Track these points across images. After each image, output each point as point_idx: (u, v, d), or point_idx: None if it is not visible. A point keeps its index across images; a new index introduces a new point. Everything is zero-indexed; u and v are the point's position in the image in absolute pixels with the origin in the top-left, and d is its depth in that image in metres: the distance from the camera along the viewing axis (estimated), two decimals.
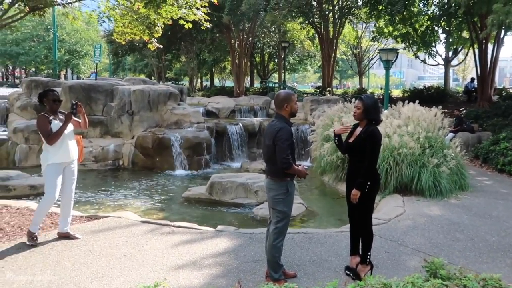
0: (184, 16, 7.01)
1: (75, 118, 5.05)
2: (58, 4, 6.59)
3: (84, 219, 5.88)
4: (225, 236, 5.22)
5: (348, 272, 4.13)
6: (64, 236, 5.00)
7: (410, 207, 6.61)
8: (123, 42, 8.18)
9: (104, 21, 7.72)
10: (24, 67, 48.80)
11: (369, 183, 3.91)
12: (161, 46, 8.66)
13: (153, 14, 6.72)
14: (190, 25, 7.37)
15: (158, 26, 7.14)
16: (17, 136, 11.55)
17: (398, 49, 11.50)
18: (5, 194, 7.75)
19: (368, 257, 4.03)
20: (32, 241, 4.81)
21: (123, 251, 4.67)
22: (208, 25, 7.54)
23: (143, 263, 4.37)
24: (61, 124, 4.85)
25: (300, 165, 3.81)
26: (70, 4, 7.01)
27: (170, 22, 7.28)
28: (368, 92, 25.46)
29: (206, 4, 7.40)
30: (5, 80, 51.54)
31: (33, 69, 46.81)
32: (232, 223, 6.53)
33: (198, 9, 7.17)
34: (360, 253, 4.17)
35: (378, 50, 13.17)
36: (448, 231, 5.55)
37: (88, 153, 11.28)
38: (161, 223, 5.76)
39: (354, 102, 10.90)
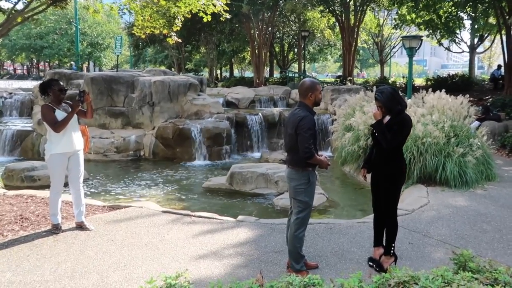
0: (204, 8, 6.93)
1: (81, 108, 4.98)
2: None
3: (106, 209, 5.94)
4: (245, 226, 5.20)
5: (371, 264, 4.05)
6: (79, 226, 5.05)
7: (435, 198, 6.46)
8: (143, 36, 8.16)
9: (124, 13, 7.71)
10: (48, 60, 49.71)
11: (395, 173, 3.82)
12: (180, 41, 8.62)
13: (173, 7, 6.67)
14: (209, 18, 7.30)
15: (178, 19, 7.09)
16: (42, 127, 11.75)
17: (422, 36, 11.18)
18: (31, 184, 7.93)
19: (392, 248, 3.94)
20: (56, 231, 4.88)
21: (145, 241, 4.69)
22: (227, 15, 7.45)
23: (164, 252, 4.39)
24: (65, 114, 4.80)
25: (322, 155, 3.73)
26: None
27: (189, 16, 7.22)
28: (390, 81, 24.95)
29: None
30: (29, 73, 52.62)
31: (57, 62, 47.66)
32: (252, 213, 6.51)
33: None
34: (384, 244, 4.08)
35: (401, 37, 12.84)
36: (474, 222, 5.39)
37: (110, 144, 11.42)
38: (182, 213, 5.78)
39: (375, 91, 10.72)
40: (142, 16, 7.13)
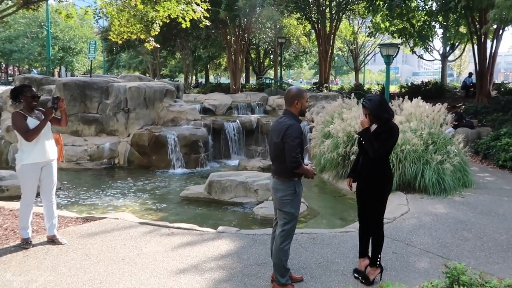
0: (183, 13, 6.76)
1: (54, 115, 4.73)
2: None
3: (80, 220, 5.68)
4: (226, 238, 5.05)
5: (356, 275, 3.97)
6: (51, 240, 4.79)
7: (415, 205, 6.47)
8: (120, 42, 7.91)
9: (100, 17, 7.46)
10: (18, 65, 48.27)
11: (382, 183, 3.76)
12: (158, 46, 8.42)
13: (151, 11, 6.47)
14: (188, 24, 7.14)
15: (156, 24, 6.90)
16: (10, 135, 11.29)
17: (399, 44, 11.33)
18: None
19: (378, 259, 3.87)
20: (26, 245, 4.62)
21: (121, 255, 4.48)
22: (207, 22, 7.30)
23: (142, 267, 4.19)
24: (38, 122, 4.55)
25: (308, 164, 3.63)
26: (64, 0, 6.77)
27: (167, 20, 7.04)
28: (365, 88, 25.28)
29: None
30: None
31: (27, 66, 46.32)
32: (232, 223, 6.36)
33: (197, 4, 6.91)
34: (369, 255, 4.01)
35: (379, 45, 12.99)
36: (455, 230, 5.41)
37: (83, 152, 11.07)
38: (160, 224, 5.58)
39: (353, 98, 10.75)
40: (118, 20, 6.90)
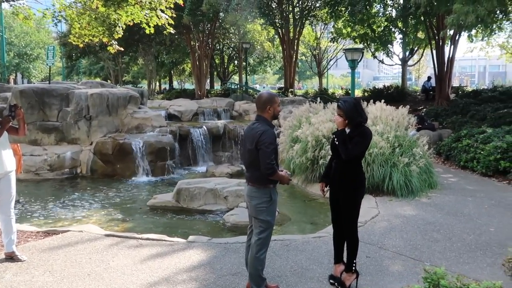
0: (147, 19, 6.55)
1: (11, 124, 4.46)
2: (4, 1, 5.98)
3: (41, 234, 5.38)
4: (198, 248, 4.90)
5: (332, 281, 3.92)
6: (9, 257, 4.49)
7: (384, 208, 6.53)
8: (81, 45, 7.57)
9: (59, 21, 7.12)
10: None
11: (355, 187, 3.74)
12: (122, 49, 8.15)
13: (113, 14, 6.23)
14: (153, 30, 6.93)
15: (119, 27, 6.65)
16: None
17: (363, 49, 11.52)
18: None
19: (354, 265, 3.83)
20: None
21: (87, 270, 4.25)
22: (171, 30, 7.12)
23: (110, 282, 3.98)
24: None
25: (282, 170, 3.55)
26: (18, 1, 6.41)
27: (131, 23, 6.80)
28: (329, 92, 25.65)
29: (172, 6, 6.95)
30: None
31: None
32: (203, 231, 6.20)
33: (162, 11, 6.71)
34: (345, 260, 3.97)
35: (344, 49, 13.18)
36: (425, 231, 5.47)
37: (43, 161, 10.59)
38: (127, 235, 5.36)
39: (319, 102, 10.82)
40: (79, 23, 6.60)
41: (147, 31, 6.97)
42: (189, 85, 49.30)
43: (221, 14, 21.11)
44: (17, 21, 38.54)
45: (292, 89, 23.97)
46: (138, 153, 10.80)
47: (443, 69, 17.74)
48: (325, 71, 37.00)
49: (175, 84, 47.21)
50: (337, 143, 3.80)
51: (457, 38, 17.73)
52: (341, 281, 3.84)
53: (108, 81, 34.33)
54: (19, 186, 8.81)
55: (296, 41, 24.92)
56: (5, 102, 11.94)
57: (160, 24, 6.86)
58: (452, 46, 17.80)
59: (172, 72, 40.25)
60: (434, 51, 18.39)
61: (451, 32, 16.11)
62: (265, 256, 3.61)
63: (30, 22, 6.76)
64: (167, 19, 6.88)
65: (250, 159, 3.52)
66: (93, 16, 6.37)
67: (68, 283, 3.95)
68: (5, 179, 4.42)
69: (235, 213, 6.77)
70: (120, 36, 7.08)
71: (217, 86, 39.01)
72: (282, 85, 31.64)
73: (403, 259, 4.56)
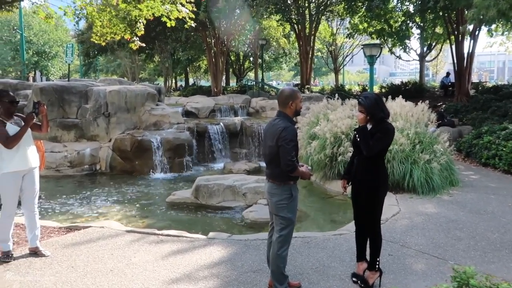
0: (168, 13, 6.56)
1: (35, 121, 4.53)
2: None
3: (63, 230, 5.45)
4: (218, 244, 4.90)
5: (355, 280, 3.88)
6: (33, 252, 4.57)
7: (405, 206, 6.45)
8: (103, 44, 7.61)
9: (80, 19, 7.18)
10: None
11: (378, 184, 3.69)
12: (144, 45, 8.17)
13: (134, 10, 6.25)
14: (173, 23, 6.93)
15: (140, 23, 6.67)
16: None
17: (382, 44, 11.38)
18: None
19: (378, 263, 3.79)
20: (7, 259, 4.38)
21: (110, 266, 4.29)
22: (192, 23, 7.11)
23: (132, 278, 4.01)
24: (17, 128, 4.33)
25: (302, 165, 3.51)
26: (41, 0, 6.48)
27: (151, 17, 6.82)
28: (346, 89, 25.42)
29: (192, 0, 6.94)
30: None
31: (0, 72, 45.05)
32: (222, 228, 6.21)
33: (182, 5, 6.71)
34: (367, 258, 3.92)
35: (362, 45, 13.02)
36: (447, 229, 5.38)
37: (63, 158, 10.73)
38: (148, 231, 5.39)
39: (337, 99, 10.73)
40: (100, 21, 6.63)
41: (168, 24, 6.95)
42: (204, 82, 49.46)
43: (237, 10, 21.06)
44: (36, 19, 39.16)
45: (309, 86, 23.84)
46: (156, 150, 10.86)
47: (463, 64, 17.41)
48: (341, 67, 36.70)
49: (191, 81, 47.45)
50: (358, 139, 3.76)
51: (477, 33, 17.36)
52: (364, 279, 3.80)
53: (125, 78, 34.64)
54: (41, 182, 8.97)
55: (312, 37, 24.76)
56: (26, 100, 12.13)
57: (180, 17, 6.85)
58: (472, 41, 17.44)
59: (188, 69, 40.42)
60: (453, 46, 18.05)
61: (471, 26, 15.76)
62: (287, 253, 3.59)
63: (52, 20, 6.81)
64: (187, 13, 6.88)
65: (270, 156, 3.49)
66: (114, 13, 6.40)
67: (92, 279, 3.99)
68: (29, 175, 4.49)
69: (254, 209, 6.76)
70: (142, 32, 7.10)
71: (233, 83, 39.00)
72: (298, 82, 31.52)
73: (426, 257, 4.50)
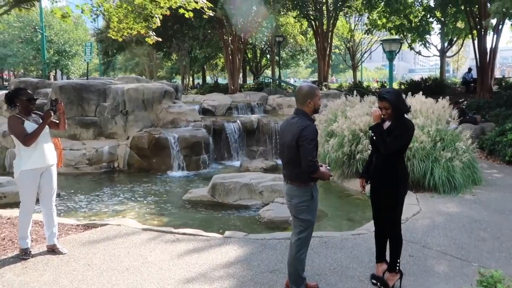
0: (184, 4, 6.50)
1: (52, 118, 4.53)
2: None
3: (81, 228, 5.48)
4: (234, 243, 4.84)
5: (374, 281, 3.77)
6: (51, 249, 4.58)
7: (426, 205, 6.28)
8: (120, 39, 7.63)
9: (97, 16, 7.20)
10: (13, 69, 47.90)
11: (397, 183, 3.58)
12: (160, 39, 8.16)
13: (149, 4, 6.23)
14: (191, 14, 6.86)
15: (156, 17, 6.65)
16: (7, 140, 11.04)
17: (402, 39, 11.14)
18: None
19: (398, 264, 3.67)
20: (25, 256, 4.40)
21: (126, 264, 4.27)
22: (211, 13, 7.04)
23: (148, 277, 3.99)
24: (35, 125, 4.33)
25: (322, 165, 3.41)
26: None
27: (168, 13, 6.79)
28: (364, 86, 25.09)
29: None
30: None
31: (22, 70, 45.95)
32: (238, 227, 6.15)
33: None
34: (387, 259, 3.81)
35: (381, 40, 12.80)
36: (470, 230, 5.22)
37: (82, 156, 10.84)
38: (164, 230, 5.37)
39: (356, 95, 10.55)
40: (117, 17, 6.64)
41: (186, 15, 6.90)
42: (221, 80, 49.53)
43: (254, 7, 20.95)
44: (56, 19, 39.78)
45: (326, 83, 23.61)
46: (173, 148, 10.88)
47: (485, 59, 16.98)
48: (359, 64, 36.28)
49: (208, 79, 47.55)
50: (374, 137, 3.66)
51: (500, 27, 16.89)
52: (384, 281, 3.69)
53: (143, 76, 34.91)
54: (59, 180, 9.07)
55: (330, 33, 24.50)
56: (46, 98, 12.29)
57: (198, 7, 6.78)
58: (495, 36, 16.99)
59: (205, 67, 40.49)
60: (475, 41, 17.61)
61: (494, 20, 15.33)
62: (306, 256, 3.49)
63: (69, 19, 6.85)
64: (204, 2, 6.82)
65: (289, 156, 3.37)
66: (130, 9, 6.39)
67: (108, 277, 3.98)
68: (47, 173, 4.50)
69: (271, 208, 6.69)
70: (159, 25, 7.05)
71: (250, 80, 38.94)
72: (315, 79, 31.26)
73: (448, 258, 4.35)
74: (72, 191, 8.70)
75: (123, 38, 7.36)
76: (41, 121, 4.42)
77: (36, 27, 36.04)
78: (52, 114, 4.45)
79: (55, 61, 41.09)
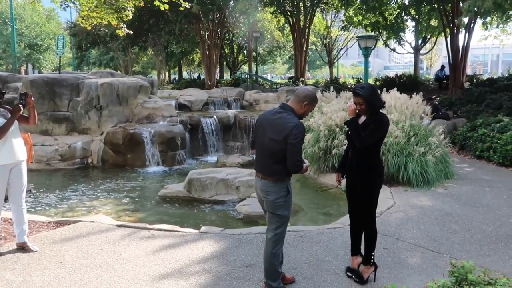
0: None
1: (22, 113, 4.37)
2: None
3: (53, 225, 5.34)
4: (210, 239, 4.81)
5: (350, 274, 3.81)
6: (21, 247, 4.45)
7: (400, 199, 6.39)
8: (89, 27, 7.43)
9: (68, 5, 6.99)
10: None
11: (373, 177, 3.61)
12: (131, 32, 8.02)
13: None
14: (167, 6, 6.76)
15: (128, 10, 6.52)
16: None
17: (377, 36, 11.28)
18: None
19: (372, 257, 3.71)
20: None
21: (99, 261, 4.19)
22: (187, 5, 6.94)
23: (122, 274, 3.92)
24: (4, 120, 4.18)
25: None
26: None
27: (142, 4, 6.67)
28: (340, 82, 25.35)
29: None
30: None
31: None
32: (215, 222, 6.11)
33: None
34: (362, 252, 3.85)
35: (357, 37, 12.92)
36: (443, 222, 5.33)
37: (54, 152, 10.58)
38: (139, 226, 5.29)
39: (332, 91, 10.65)
40: (87, 6, 6.47)
41: (161, 8, 6.79)
42: (198, 75, 49.15)
43: (231, 2, 20.85)
44: (28, 12, 38.60)
45: (303, 79, 23.72)
46: (148, 143, 10.74)
47: (457, 57, 17.38)
48: (335, 60, 36.57)
49: (185, 74, 47.14)
50: (349, 132, 3.69)
51: (472, 25, 17.31)
52: (359, 274, 3.73)
53: (118, 71, 34.31)
54: (31, 176, 8.82)
55: (306, 29, 24.63)
56: (16, 92, 11.93)
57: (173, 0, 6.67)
58: (467, 34, 17.39)
59: (181, 62, 40.12)
60: (448, 39, 18.00)
61: (466, 19, 15.69)
62: (282, 250, 3.49)
63: (40, 5, 6.64)
64: None
65: (272, 150, 3.29)
66: (102, 0, 6.24)
67: (80, 274, 3.89)
68: (16, 169, 4.36)
69: (247, 203, 6.68)
70: (130, 18, 6.93)
71: (227, 76, 38.77)
72: (292, 75, 31.37)
73: (421, 251, 4.44)
74: (44, 187, 8.48)
75: (92, 26, 7.16)
76: (9, 115, 4.27)
77: (6, 20, 34.92)
78: (22, 108, 4.30)
79: (26, 55, 39.90)
